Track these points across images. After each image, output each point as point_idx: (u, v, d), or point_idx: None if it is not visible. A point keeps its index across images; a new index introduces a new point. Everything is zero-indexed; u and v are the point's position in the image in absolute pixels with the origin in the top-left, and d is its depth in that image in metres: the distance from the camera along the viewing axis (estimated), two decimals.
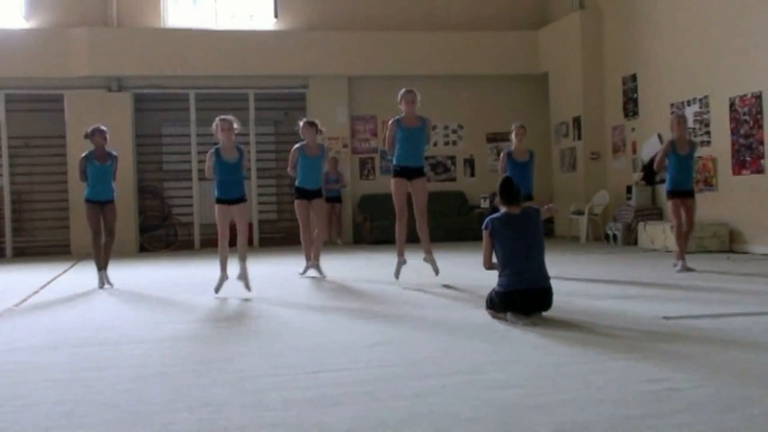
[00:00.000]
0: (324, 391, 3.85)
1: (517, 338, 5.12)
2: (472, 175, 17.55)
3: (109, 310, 7.39)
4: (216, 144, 8.15)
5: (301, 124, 9.66)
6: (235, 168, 7.96)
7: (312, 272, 9.58)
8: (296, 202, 9.61)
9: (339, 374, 4.24)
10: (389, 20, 16.95)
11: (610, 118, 15.33)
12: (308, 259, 9.61)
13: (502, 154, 9.49)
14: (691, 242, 11.15)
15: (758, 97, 11.12)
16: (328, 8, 16.77)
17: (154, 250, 16.07)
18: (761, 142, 11.10)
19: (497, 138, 17.42)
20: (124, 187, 15.67)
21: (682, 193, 9.28)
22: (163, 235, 16.76)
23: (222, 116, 8.07)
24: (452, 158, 17.55)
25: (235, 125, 8.07)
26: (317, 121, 9.80)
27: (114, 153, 9.40)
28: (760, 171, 11.16)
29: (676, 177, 9.28)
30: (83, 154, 9.26)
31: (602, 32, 15.43)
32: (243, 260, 7.98)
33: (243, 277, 7.93)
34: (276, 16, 16.73)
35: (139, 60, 15.67)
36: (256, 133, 16.58)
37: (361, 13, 16.88)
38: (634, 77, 14.41)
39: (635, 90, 14.41)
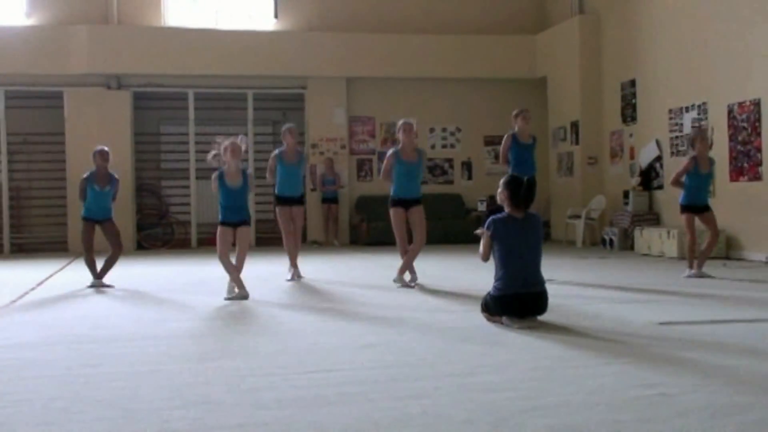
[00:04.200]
0: (318, 391, 3.87)
1: (511, 341, 5.14)
2: (470, 178, 17.58)
3: (106, 307, 7.40)
4: (220, 168, 7.82)
5: (283, 129, 9.53)
6: (238, 194, 7.79)
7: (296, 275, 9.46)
8: (277, 209, 9.48)
9: (333, 374, 4.26)
10: (388, 22, 16.97)
11: (608, 123, 15.36)
12: (294, 266, 9.48)
13: (506, 136, 9.36)
14: (686, 247, 11.18)
15: (757, 104, 11.15)
16: (328, 9, 16.79)
17: (151, 248, 16.07)
18: (759, 149, 11.13)
19: (495, 141, 17.41)
20: (122, 184, 15.60)
21: (698, 208, 9.26)
22: (160, 233, 16.76)
23: (232, 140, 7.81)
24: (450, 161, 17.57)
25: (243, 147, 7.90)
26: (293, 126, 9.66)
27: (116, 177, 9.35)
28: (757, 178, 11.19)
29: (694, 193, 9.22)
30: (84, 175, 9.20)
31: (601, 37, 15.47)
32: (237, 279, 7.68)
33: (235, 296, 7.59)
34: (276, 16, 16.75)
35: (138, 58, 15.68)
36: (255, 133, 16.60)
37: (361, 15, 16.90)
38: (632, 83, 14.44)
39: (634, 95, 14.43)
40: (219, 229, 7.83)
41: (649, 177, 13.96)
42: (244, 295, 7.52)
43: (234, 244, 7.85)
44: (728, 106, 11.72)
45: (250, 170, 8.35)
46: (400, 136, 8.57)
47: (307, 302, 7.58)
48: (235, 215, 7.82)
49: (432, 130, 17.38)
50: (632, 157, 14.54)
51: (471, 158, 17.61)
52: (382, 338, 5.39)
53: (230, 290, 7.67)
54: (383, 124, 17.07)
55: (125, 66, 15.78)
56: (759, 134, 11.12)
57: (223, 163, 7.78)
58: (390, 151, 8.64)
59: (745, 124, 11.40)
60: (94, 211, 9.14)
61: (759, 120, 11.12)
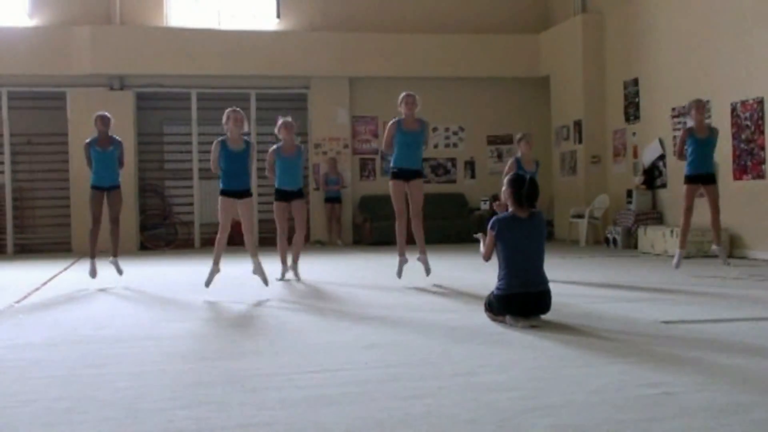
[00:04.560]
0: (322, 391, 3.87)
1: (515, 340, 5.14)
2: (473, 177, 17.58)
3: (109, 307, 7.41)
4: (222, 135, 8.02)
5: (278, 123, 9.35)
6: (241, 157, 7.87)
7: (289, 275, 9.40)
8: (275, 204, 9.41)
9: (337, 374, 4.26)
10: (391, 22, 16.98)
11: (611, 121, 15.35)
12: (284, 263, 9.41)
13: (510, 161, 9.36)
14: (690, 247, 11.17)
15: (760, 102, 11.14)
16: (331, 9, 16.80)
17: (154, 249, 16.09)
18: (762, 148, 11.12)
19: (498, 141, 17.47)
20: (125, 185, 15.62)
21: (701, 177, 9.02)
22: (163, 233, 16.78)
23: (233, 108, 8.00)
24: (453, 160, 17.58)
25: (245, 123, 8.03)
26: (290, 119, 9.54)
27: (117, 138, 9.35)
28: (761, 176, 11.17)
29: (694, 161, 8.99)
30: (87, 140, 9.28)
31: (604, 36, 15.46)
32: (255, 256, 8.02)
33: (259, 272, 7.98)
34: (278, 16, 16.76)
35: (141, 58, 15.71)
36: (258, 133, 16.59)
37: (363, 14, 16.91)
38: (635, 81, 14.43)
39: (636, 94, 14.42)
40: (220, 201, 7.91)
41: (652, 176, 13.95)
42: (262, 275, 8.00)
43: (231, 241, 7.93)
44: (731, 104, 11.71)
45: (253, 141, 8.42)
46: (401, 108, 8.48)
47: (309, 303, 7.58)
48: (238, 181, 7.89)
49: (435, 129, 17.37)
50: (635, 155, 14.53)
51: (474, 157, 17.62)
52: (386, 338, 5.39)
53: (210, 279, 7.89)
54: (386, 123, 17.04)
55: (128, 66, 15.81)
56: (762, 132, 11.11)
57: (227, 131, 7.92)
58: (391, 121, 8.52)
59: (748, 123, 11.39)
60: (102, 176, 9.13)
61: (762, 118, 11.11)
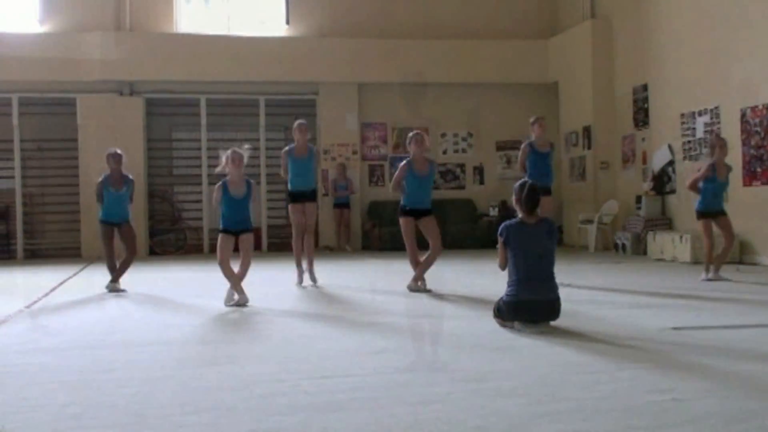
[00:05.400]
0: (329, 397, 3.87)
1: (523, 347, 5.13)
2: (482, 183, 17.56)
3: (118, 313, 7.43)
4: (224, 179, 7.82)
5: (294, 126, 9.47)
6: (242, 204, 7.76)
7: (306, 280, 9.38)
8: (289, 207, 9.42)
9: (344, 380, 4.25)
10: (399, 28, 17.00)
11: (620, 127, 15.32)
12: (299, 266, 9.39)
13: (523, 145, 9.53)
14: (699, 252, 11.17)
15: None
16: (340, 15, 16.83)
17: (163, 254, 16.13)
18: None
19: (507, 146, 17.44)
20: (135, 190, 15.73)
21: (714, 213, 9.30)
22: (172, 238, 16.82)
23: (233, 149, 7.84)
24: (461, 166, 17.56)
25: (245, 157, 7.88)
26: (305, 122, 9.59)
27: (130, 177, 9.41)
28: None
29: (710, 199, 9.27)
30: (100, 179, 9.28)
31: (613, 42, 15.43)
32: (237, 286, 7.60)
33: (231, 299, 7.59)
34: (287, 22, 16.79)
35: (151, 65, 15.77)
36: (267, 138, 16.64)
37: (372, 20, 16.93)
38: (645, 87, 14.39)
39: (646, 100, 14.39)
40: (220, 236, 7.77)
41: (661, 181, 13.91)
42: (243, 301, 7.44)
43: (236, 250, 7.82)
44: (741, 110, 11.67)
45: (254, 181, 8.32)
46: (411, 147, 8.61)
47: (318, 308, 7.58)
48: (236, 224, 7.75)
49: (443, 135, 17.39)
50: (644, 161, 14.49)
51: (483, 163, 17.60)
52: (394, 343, 5.38)
53: (229, 297, 7.58)
54: (395, 130, 17.09)
55: (138, 72, 15.88)
56: None
57: (227, 173, 7.78)
58: (403, 162, 8.66)
59: (758, 129, 11.35)
60: (112, 213, 9.21)
61: None
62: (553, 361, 4.65)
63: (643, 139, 14.53)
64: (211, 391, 4.08)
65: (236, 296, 7.52)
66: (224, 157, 7.80)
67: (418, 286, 8.49)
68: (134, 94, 16.25)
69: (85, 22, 15.92)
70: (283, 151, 9.51)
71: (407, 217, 8.60)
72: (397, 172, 8.72)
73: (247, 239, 7.81)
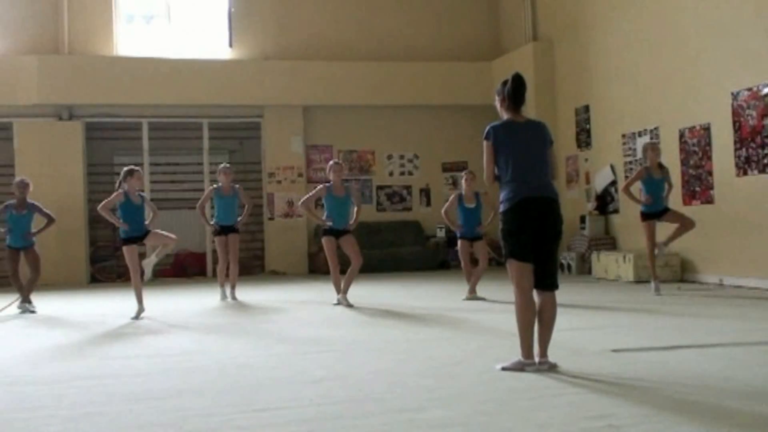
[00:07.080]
0: (264, 431, 3.76)
1: (461, 374, 5.07)
2: (428, 204, 17.57)
3: (49, 344, 7.16)
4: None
5: (219, 168, 11.07)
6: (138, 210, 9.39)
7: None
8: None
9: (279, 413, 4.14)
10: (344, 50, 16.99)
11: (563, 148, 15.46)
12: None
13: (452, 197, 10.25)
14: (642, 271, 11.35)
15: (707, 128, 11.30)
16: (283, 38, 16.76)
17: (105, 281, 15.77)
18: (710, 173, 11.26)
19: (453, 168, 17.49)
20: (74, 216, 15.40)
21: (658, 214, 9.78)
22: (114, 265, 16.45)
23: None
24: (408, 188, 17.56)
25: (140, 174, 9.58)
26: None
27: (35, 204, 10.19)
28: (709, 201, 11.30)
29: (652, 201, 9.73)
30: (5, 203, 9.99)
31: (554, 64, 15.62)
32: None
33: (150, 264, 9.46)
34: (231, 45, 16.66)
35: (90, 88, 15.47)
36: (210, 162, 16.40)
37: (317, 43, 16.90)
38: (586, 108, 14.58)
39: (588, 121, 14.57)
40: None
41: (604, 201, 14.07)
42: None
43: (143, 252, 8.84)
44: (680, 130, 11.87)
45: (146, 195, 10.21)
46: (330, 175, 9.67)
47: (256, 336, 7.43)
48: (134, 230, 9.08)
49: (390, 156, 17.39)
50: (588, 181, 14.64)
51: (429, 185, 17.61)
52: (331, 372, 5.27)
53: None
54: (341, 152, 17.02)
55: (77, 96, 15.56)
56: (710, 158, 11.26)
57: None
58: (320, 186, 9.80)
59: (696, 149, 11.54)
60: (15, 237, 10.05)
61: (709, 144, 11.26)
62: (492, 388, 4.59)
63: (586, 160, 14.70)
64: (141, 427, 3.92)
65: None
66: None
67: (346, 299, 9.45)
68: (73, 118, 15.91)
69: (22, 46, 15.59)
70: (210, 189, 11.09)
71: (329, 237, 9.60)
72: (313, 191, 9.84)
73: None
